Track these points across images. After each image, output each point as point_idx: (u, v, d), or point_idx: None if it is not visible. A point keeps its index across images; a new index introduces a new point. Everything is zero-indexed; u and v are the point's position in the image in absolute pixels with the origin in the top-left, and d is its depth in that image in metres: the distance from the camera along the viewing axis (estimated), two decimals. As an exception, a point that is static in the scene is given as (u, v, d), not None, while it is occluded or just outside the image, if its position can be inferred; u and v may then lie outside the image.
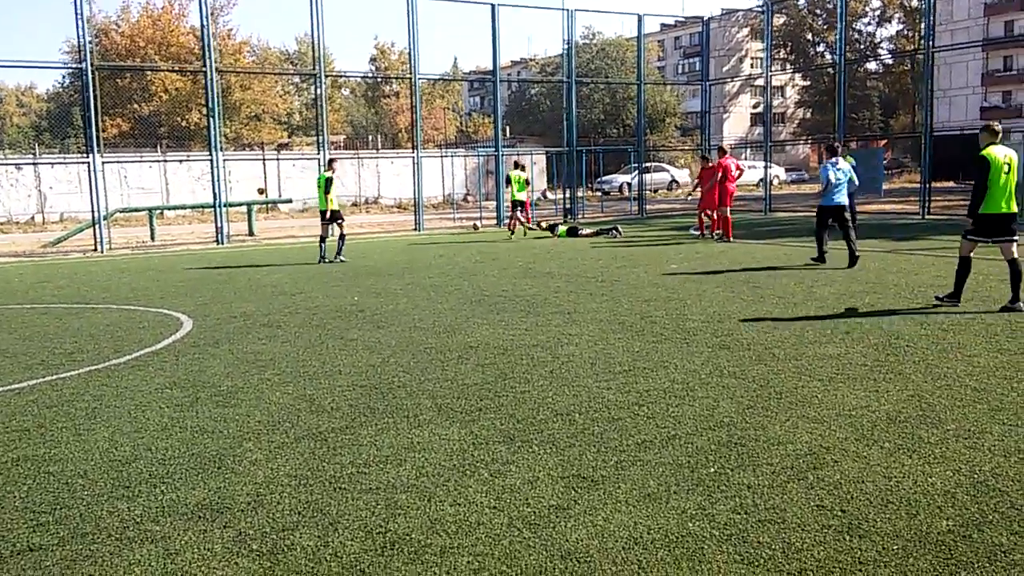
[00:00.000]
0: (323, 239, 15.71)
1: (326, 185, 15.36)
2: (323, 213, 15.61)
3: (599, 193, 37.58)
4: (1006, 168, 8.54)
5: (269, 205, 31.76)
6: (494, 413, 5.48)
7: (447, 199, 34.81)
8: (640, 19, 28.05)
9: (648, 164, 32.25)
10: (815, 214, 13.78)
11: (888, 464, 4.35)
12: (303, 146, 44.44)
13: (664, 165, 45.61)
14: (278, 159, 34.58)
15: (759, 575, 3.27)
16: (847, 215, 12.93)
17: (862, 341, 7.32)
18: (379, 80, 64.28)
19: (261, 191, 32.49)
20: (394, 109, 62.90)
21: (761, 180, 35.27)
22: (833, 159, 13.20)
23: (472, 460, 4.63)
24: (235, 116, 38.49)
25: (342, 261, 15.36)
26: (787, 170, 54.60)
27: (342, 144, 46.37)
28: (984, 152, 8.65)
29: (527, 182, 20.05)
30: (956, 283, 8.95)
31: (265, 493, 4.24)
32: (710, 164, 18.50)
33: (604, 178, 39.51)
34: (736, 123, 73.45)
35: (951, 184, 40.55)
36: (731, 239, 17.39)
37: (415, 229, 23.65)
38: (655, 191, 39.62)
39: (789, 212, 28.50)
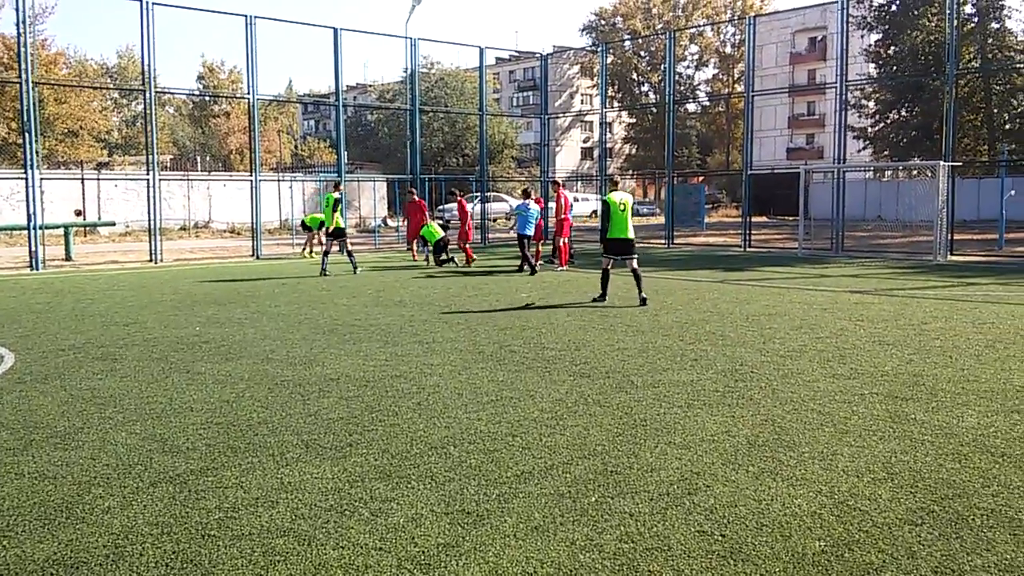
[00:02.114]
0: (327, 253, 17.70)
1: (335, 204, 17.18)
2: (329, 230, 17.55)
3: (439, 221, 37.68)
4: (621, 207, 12.04)
5: (87, 228, 29.65)
6: (366, 448, 5.32)
7: (284, 224, 33.83)
8: (482, 52, 28.57)
9: (488, 194, 32.65)
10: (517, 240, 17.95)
11: (756, 488, 4.56)
12: (124, 165, 41.86)
13: (502, 195, 46.37)
14: (98, 179, 32.37)
15: (656, 604, 3.32)
16: (532, 241, 17.67)
17: (711, 368, 7.68)
18: (208, 99, 61.79)
19: (79, 213, 30.35)
20: (224, 130, 60.63)
21: (595, 211, 36.61)
22: (525, 201, 17.77)
23: (350, 499, 4.45)
24: (49, 132, 35.72)
25: (357, 271, 17.40)
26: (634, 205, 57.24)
27: (168, 164, 44.11)
28: (607, 197, 12.23)
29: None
30: (602, 287, 12.35)
31: (124, 544, 3.90)
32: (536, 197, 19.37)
33: (445, 206, 39.63)
34: (567, 156, 76.00)
35: (764, 219, 43.74)
36: (565, 266, 18.18)
37: (253, 255, 22.77)
38: (494, 220, 40.25)
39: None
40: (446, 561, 3.70)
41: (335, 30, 24.19)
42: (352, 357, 8.27)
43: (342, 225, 17.40)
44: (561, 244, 18.55)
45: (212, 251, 25.50)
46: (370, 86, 68.88)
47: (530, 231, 17.48)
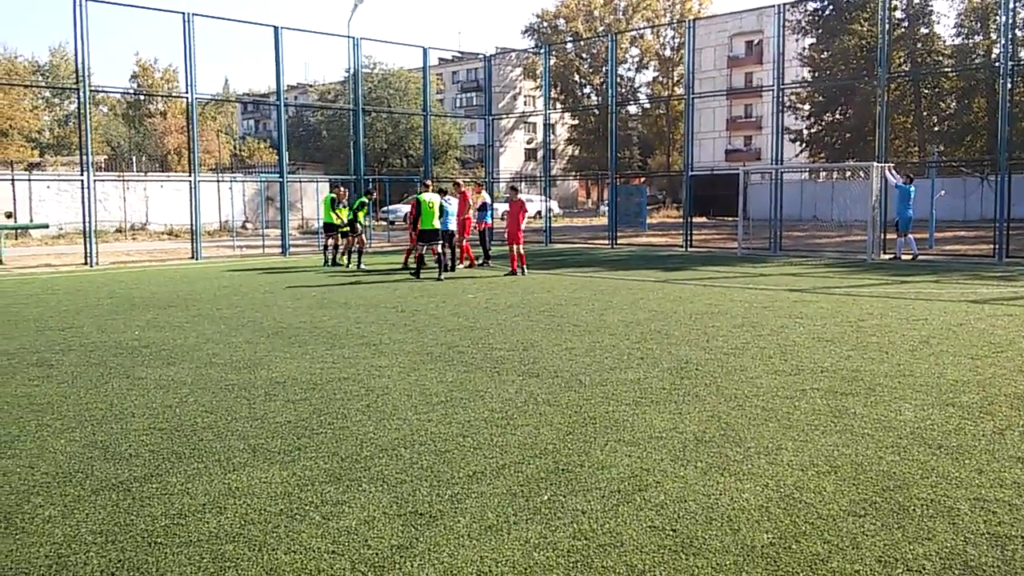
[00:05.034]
0: (332, 247, 20.20)
1: (332, 203, 19.78)
2: (329, 226, 20.19)
3: (383, 222, 37.44)
4: (430, 205, 16.20)
5: (19, 230, 28.71)
6: (315, 452, 5.26)
7: (224, 226, 33.23)
8: (425, 52, 28.43)
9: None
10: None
11: (705, 483, 4.64)
12: (57, 166, 40.65)
13: (448, 197, 46.31)
14: (30, 180, 31.36)
15: (610, 600, 3.35)
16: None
17: (656, 366, 7.78)
18: (143, 98, 60.37)
19: (9, 215, 29.39)
20: (160, 129, 59.35)
21: (539, 212, 36.77)
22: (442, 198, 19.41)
23: (300, 503, 4.40)
24: (-24, 131, 34.60)
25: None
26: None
27: (103, 165, 42.97)
28: (419, 196, 16.57)
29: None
30: (417, 266, 16.74)
31: (67, 554, 3.79)
32: (499, 199, 19.44)
33: (389, 208, 39.38)
34: (511, 157, 76.18)
35: (704, 219, 44.43)
36: (463, 264, 19.02)
37: (192, 257, 22.32)
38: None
39: (567, 244, 29.91)
40: (400, 563, 3.69)
41: (276, 28, 23.84)
42: (298, 360, 8.17)
43: (336, 222, 19.85)
44: (463, 244, 18.84)
45: (150, 253, 24.92)
46: (311, 86, 68.10)
47: (452, 226, 17.97)
